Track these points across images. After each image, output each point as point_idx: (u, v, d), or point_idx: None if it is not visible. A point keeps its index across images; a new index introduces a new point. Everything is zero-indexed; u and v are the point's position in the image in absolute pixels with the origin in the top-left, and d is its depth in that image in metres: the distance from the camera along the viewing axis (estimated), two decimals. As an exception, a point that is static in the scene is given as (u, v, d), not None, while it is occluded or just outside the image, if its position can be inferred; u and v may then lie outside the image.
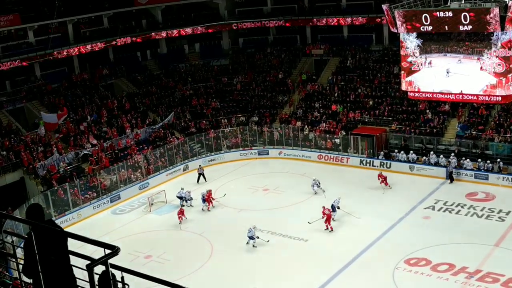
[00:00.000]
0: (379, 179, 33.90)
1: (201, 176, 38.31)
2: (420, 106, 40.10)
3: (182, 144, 41.57)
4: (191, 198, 33.94)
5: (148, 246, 29.45)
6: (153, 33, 49.17)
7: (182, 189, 34.21)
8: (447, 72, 33.13)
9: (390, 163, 37.50)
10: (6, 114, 40.71)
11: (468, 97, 33.90)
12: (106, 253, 4.43)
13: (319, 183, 34.32)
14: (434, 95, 35.62)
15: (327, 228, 29.10)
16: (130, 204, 35.98)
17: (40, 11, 44.40)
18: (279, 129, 42.93)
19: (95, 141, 39.28)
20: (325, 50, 49.21)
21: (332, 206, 29.92)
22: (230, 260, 27.25)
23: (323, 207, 29.45)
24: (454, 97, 34.90)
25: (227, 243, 29.12)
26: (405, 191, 33.85)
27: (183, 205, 33.22)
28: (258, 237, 27.91)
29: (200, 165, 39.56)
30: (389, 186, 34.01)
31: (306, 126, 42.24)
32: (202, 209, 33.40)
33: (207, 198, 33.41)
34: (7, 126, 39.25)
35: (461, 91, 32.72)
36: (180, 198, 33.82)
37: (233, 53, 53.16)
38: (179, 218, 31.41)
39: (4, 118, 40.13)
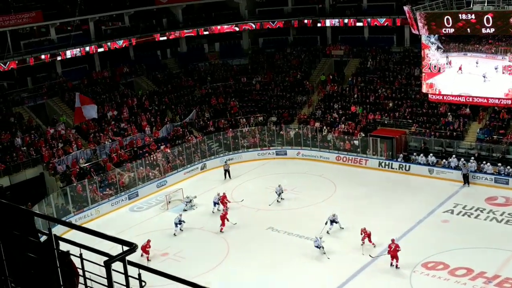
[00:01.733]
0: (361, 234, 26.95)
1: (227, 173, 38.29)
2: (440, 109, 39.75)
3: (200, 143, 41.68)
4: (183, 221, 30.98)
5: (165, 243, 29.54)
6: (173, 32, 49.40)
7: (180, 215, 31.36)
8: (484, 77, 32.70)
9: (409, 166, 37.21)
10: (27, 110, 41.15)
11: (490, 100, 33.61)
12: (124, 250, 4.42)
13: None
14: (455, 98, 35.38)
15: (373, 245, 27.02)
16: (148, 201, 36.15)
17: (62, 8, 44.80)
18: (297, 129, 42.82)
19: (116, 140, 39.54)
20: (345, 51, 49.01)
21: (332, 221, 28.87)
22: (246, 259, 27.23)
23: (392, 240, 25.63)
24: (475, 100, 34.65)
25: (243, 242, 29.12)
26: (424, 194, 33.56)
27: (176, 231, 30.79)
28: (323, 247, 26.36)
29: (225, 162, 39.54)
30: (373, 244, 26.83)
31: (324, 127, 42.09)
32: (213, 211, 32.89)
33: (221, 201, 32.87)
34: (28, 122, 39.66)
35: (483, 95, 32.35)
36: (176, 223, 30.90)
37: (252, 52, 53.17)
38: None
39: (25, 114, 40.56)
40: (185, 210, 33.44)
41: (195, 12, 53.39)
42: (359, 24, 47.48)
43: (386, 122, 41.09)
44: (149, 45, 49.62)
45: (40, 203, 32.40)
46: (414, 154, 37.57)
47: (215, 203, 32.83)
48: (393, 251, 24.92)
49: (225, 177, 38.16)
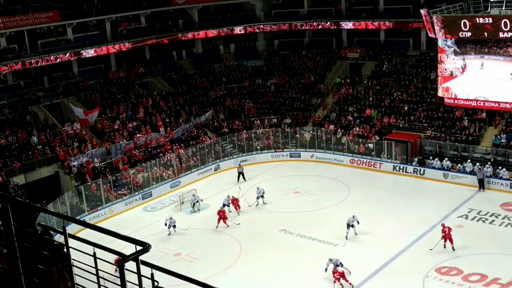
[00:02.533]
0: (334, 275, 23.99)
1: (241, 175, 38.33)
2: (456, 113, 39.47)
3: (215, 144, 41.74)
4: (174, 225, 30.77)
5: (178, 244, 29.62)
6: (189, 33, 49.61)
7: (171, 218, 30.93)
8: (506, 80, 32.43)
9: (424, 170, 36.98)
10: (43, 109, 41.48)
11: (507, 105, 33.33)
12: (138, 249, 4.43)
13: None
14: (471, 103, 35.12)
15: (446, 248, 26.82)
16: (161, 201, 36.26)
17: (79, 8, 45.13)
18: (311, 132, 42.72)
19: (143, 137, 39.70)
20: (361, 54, 48.85)
21: (349, 225, 28.73)
22: (258, 261, 27.20)
23: (442, 224, 27.18)
24: (491, 105, 34.38)
25: (256, 244, 29.10)
26: (439, 198, 33.30)
27: (170, 233, 30.57)
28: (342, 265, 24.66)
29: (240, 164, 39.51)
30: (351, 285, 24.28)
31: (339, 130, 41.96)
32: (230, 211, 32.79)
33: (233, 202, 32.74)
34: (44, 121, 39.97)
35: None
36: (169, 226, 30.56)
37: (268, 54, 53.17)
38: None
39: (41, 113, 40.88)
40: (192, 212, 33.57)
41: (211, 13, 53.53)
42: (374, 26, 47.35)
43: (401, 125, 40.88)
44: (164, 45, 49.83)
45: (55, 201, 32.65)
46: (430, 158, 37.33)
47: (224, 205, 32.58)
48: (448, 234, 26.40)
49: (238, 179, 38.13)
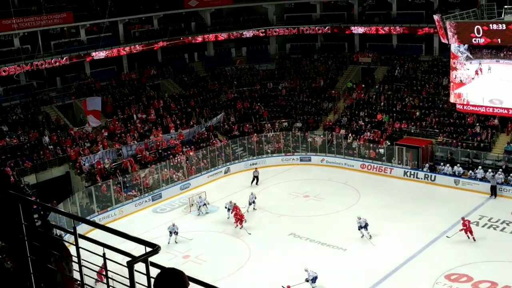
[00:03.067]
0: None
1: (255, 179, 38.23)
2: (468, 119, 39.25)
3: (225, 147, 41.76)
4: (177, 232, 30.27)
5: (187, 246, 29.65)
6: (201, 36, 49.74)
7: (173, 224, 30.44)
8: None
9: (435, 176, 36.80)
10: (55, 109, 41.70)
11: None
12: (147, 251, 4.42)
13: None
14: (483, 109, 34.92)
15: (470, 238, 28.08)
16: (171, 203, 36.32)
17: (93, 10, 45.38)
18: (322, 136, 42.64)
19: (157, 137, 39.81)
20: (373, 59, 48.73)
21: (360, 226, 28.88)
22: (267, 264, 27.17)
23: (462, 218, 28.58)
24: (504, 112, 34.16)
25: (265, 247, 29.06)
26: (449, 205, 33.09)
27: (170, 241, 29.86)
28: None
29: (256, 168, 39.34)
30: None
31: (350, 135, 41.84)
32: (228, 217, 32.38)
33: (235, 211, 31.91)
34: (56, 121, 40.18)
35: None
36: (170, 232, 30.13)
37: (279, 58, 53.17)
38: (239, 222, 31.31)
39: (53, 113, 41.10)
40: (198, 215, 33.58)
41: (223, 16, 53.63)
42: (384, 31, 47.29)
43: (412, 131, 40.70)
44: (177, 48, 49.98)
45: (65, 201, 32.80)
46: (441, 164, 37.13)
47: (228, 209, 32.45)
48: (469, 228, 27.95)
49: (252, 183, 38.09)
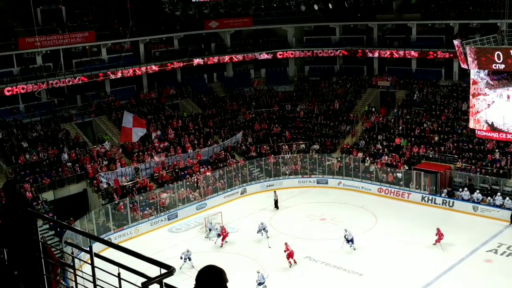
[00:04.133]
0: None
1: (276, 203, 37.97)
2: (487, 145, 38.88)
3: (242, 168, 41.75)
4: (190, 258, 29.66)
5: (201, 266, 29.44)
6: (221, 57, 50.13)
7: (187, 251, 29.81)
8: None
9: (453, 202, 36.39)
10: (74, 127, 42.09)
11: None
12: (162, 272, 4.41)
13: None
14: (503, 135, 34.56)
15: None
16: (187, 223, 36.29)
17: (115, 30, 45.97)
18: (338, 159, 42.49)
19: (157, 159, 39.95)
20: (391, 82, 48.63)
21: (347, 240, 30.45)
22: (282, 286, 26.92)
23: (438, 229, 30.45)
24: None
25: (280, 270, 28.86)
26: (467, 231, 32.68)
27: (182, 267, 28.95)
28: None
29: (275, 191, 38.95)
30: None
31: (367, 158, 41.63)
32: (215, 242, 32.57)
33: (222, 233, 32.41)
34: (75, 139, 40.53)
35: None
36: (184, 259, 29.51)
37: (298, 80, 53.29)
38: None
39: (72, 131, 41.48)
40: (206, 238, 33.46)
41: (243, 38, 54.00)
42: (399, 55, 47.30)
43: (430, 156, 40.39)
44: (196, 68, 50.38)
45: (82, 219, 32.93)
46: (459, 190, 36.73)
47: (218, 235, 32.53)
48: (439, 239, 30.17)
49: (276, 206, 37.95)
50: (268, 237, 32.40)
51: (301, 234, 33.14)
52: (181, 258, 29.29)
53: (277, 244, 31.87)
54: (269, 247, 31.09)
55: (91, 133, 43.44)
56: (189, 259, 29.54)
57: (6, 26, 42.48)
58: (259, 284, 26.28)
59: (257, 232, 32.58)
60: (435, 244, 30.51)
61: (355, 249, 30.39)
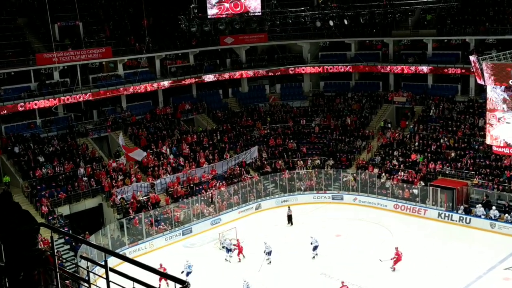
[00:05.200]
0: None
1: (289, 219, 37.76)
2: (505, 162, 38.50)
3: (256, 183, 41.69)
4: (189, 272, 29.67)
5: (216, 282, 29.40)
6: (236, 72, 50.39)
7: (187, 261, 30.11)
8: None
9: (470, 219, 35.99)
10: (91, 141, 42.37)
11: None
12: (177, 287, 4.40)
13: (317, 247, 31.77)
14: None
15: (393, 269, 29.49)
16: (201, 238, 36.22)
17: (131, 45, 46.40)
18: (354, 174, 42.29)
19: (173, 175, 40.09)
20: (407, 98, 48.46)
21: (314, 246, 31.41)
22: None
23: (396, 248, 29.67)
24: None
25: (295, 286, 28.64)
26: (485, 249, 32.26)
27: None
28: None
29: (289, 207, 38.77)
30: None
31: (383, 174, 41.38)
32: (226, 259, 32.28)
33: (238, 247, 32.29)
34: (91, 153, 40.77)
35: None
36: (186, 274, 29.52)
37: (313, 95, 53.29)
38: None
39: (89, 145, 41.74)
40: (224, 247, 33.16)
41: (258, 54, 54.21)
42: (411, 70, 47.20)
43: (447, 172, 40.06)
44: (211, 83, 50.62)
45: (97, 233, 33.01)
46: (476, 206, 36.33)
47: (227, 250, 32.28)
48: (399, 258, 29.33)
49: (289, 222, 37.80)
50: (268, 259, 31.07)
51: (316, 250, 32.89)
52: (182, 272, 28.94)
53: (292, 260, 31.65)
54: (258, 271, 30.27)
55: (107, 148, 43.70)
56: (188, 274, 29.07)
57: (25, 42, 43.06)
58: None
59: (264, 253, 31.37)
60: (393, 269, 29.35)
61: (315, 255, 31.51)
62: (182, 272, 28.95)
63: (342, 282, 26.41)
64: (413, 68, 47.59)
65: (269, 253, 31.21)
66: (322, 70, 52.03)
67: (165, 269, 25.72)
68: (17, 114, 40.74)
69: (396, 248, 29.61)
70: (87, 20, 46.73)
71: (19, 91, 40.55)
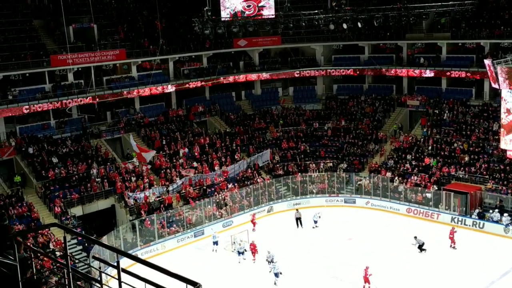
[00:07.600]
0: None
1: (298, 221, 37.68)
2: (519, 166, 38.18)
3: (269, 186, 41.65)
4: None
5: (227, 284, 29.40)
6: (249, 75, 50.39)
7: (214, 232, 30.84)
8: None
9: (484, 223, 35.71)
10: (104, 143, 42.59)
11: None
12: (188, 288, 4.40)
13: (272, 260, 30.56)
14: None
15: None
16: (213, 240, 36.17)
17: (145, 48, 46.59)
18: (367, 178, 42.11)
19: (185, 173, 40.13)
20: (421, 102, 48.22)
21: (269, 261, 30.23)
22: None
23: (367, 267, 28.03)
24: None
25: (306, 290, 28.61)
26: (498, 254, 32.00)
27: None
28: None
29: (297, 209, 38.70)
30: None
31: (396, 178, 41.17)
32: (239, 262, 32.28)
33: (252, 249, 32.41)
34: (104, 155, 40.97)
35: None
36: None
37: (326, 98, 53.19)
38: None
39: (102, 147, 41.95)
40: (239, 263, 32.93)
41: (271, 56, 54.22)
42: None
43: (461, 176, 39.78)
44: (224, 86, 50.69)
45: (109, 234, 33.14)
46: (490, 211, 36.04)
47: (239, 253, 32.43)
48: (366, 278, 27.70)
49: (297, 225, 37.73)
50: (274, 268, 29.67)
51: (328, 254, 32.83)
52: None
53: (304, 264, 31.59)
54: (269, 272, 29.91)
55: (120, 149, 43.90)
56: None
57: (39, 44, 43.39)
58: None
59: (269, 262, 30.62)
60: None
61: (271, 270, 29.58)
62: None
63: (367, 267, 26.92)
64: (428, 72, 47.28)
65: (271, 261, 30.39)
66: (340, 73, 51.84)
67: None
68: (31, 115, 41.06)
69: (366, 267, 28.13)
70: (101, 22, 47.02)
71: (33, 92, 40.86)
